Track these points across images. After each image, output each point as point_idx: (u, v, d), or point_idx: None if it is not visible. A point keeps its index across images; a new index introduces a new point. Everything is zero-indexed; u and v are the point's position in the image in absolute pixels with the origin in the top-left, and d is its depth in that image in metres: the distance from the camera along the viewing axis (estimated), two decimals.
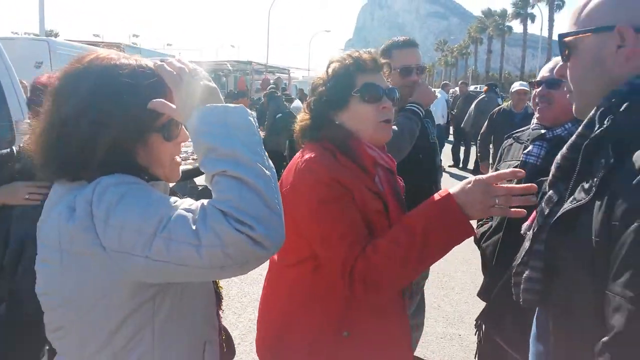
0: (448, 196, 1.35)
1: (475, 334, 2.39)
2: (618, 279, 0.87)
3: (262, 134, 10.56)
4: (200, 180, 8.17)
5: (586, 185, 0.99)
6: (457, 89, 14.03)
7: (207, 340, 1.24)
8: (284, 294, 1.61)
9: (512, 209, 1.32)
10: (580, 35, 1.07)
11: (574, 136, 1.07)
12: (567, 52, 1.12)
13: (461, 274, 5.16)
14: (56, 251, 1.02)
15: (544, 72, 2.20)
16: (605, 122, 0.97)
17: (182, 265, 0.95)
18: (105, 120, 1.04)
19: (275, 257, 1.63)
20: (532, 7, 72.97)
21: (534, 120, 2.29)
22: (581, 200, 0.98)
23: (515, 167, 2.22)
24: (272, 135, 8.56)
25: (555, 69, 2.12)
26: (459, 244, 1.37)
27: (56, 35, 51.03)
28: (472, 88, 18.64)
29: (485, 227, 2.39)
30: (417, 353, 3.10)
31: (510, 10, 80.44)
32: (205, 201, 0.97)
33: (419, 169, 2.52)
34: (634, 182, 0.86)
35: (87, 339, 1.07)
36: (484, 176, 1.34)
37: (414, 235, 1.33)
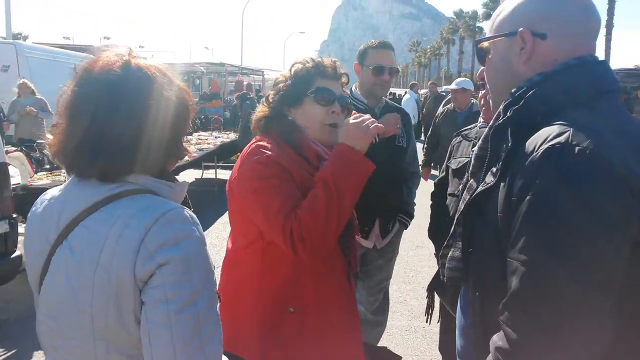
0: (340, 144, 1.58)
1: (426, 297, 2.53)
2: (515, 246, 0.99)
3: (235, 135, 10.62)
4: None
5: (494, 170, 1.12)
6: (427, 89, 14.26)
7: None
8: (235, 277, 1.74)
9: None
10: (492, 40, 1.23)
11: (486, 129, 1.20)
12: (483, 55, 1.27)
13: (427, 269, 5.31)
14: (89, 270, 1.00)
15: None
16: (508, 113, 1.12)
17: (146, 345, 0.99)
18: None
19: (229, 243, 1.78)
20: None
21: (481, 119, 2.42)
22: (490, 183, 1.11)
23: (465, 163, 2.35)
24: (246, 136, 8.62)
25: (478, 74, 2.27)
26: (366, 176, 1.58)
27: (25, 38, 49.82)
28: (444, 88, 18.95)
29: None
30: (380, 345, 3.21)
31: (480, 11, 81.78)
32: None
33: (384, 173, 2.39)
34: (526, 162, 1.00)
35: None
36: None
37: (327, 184, 1.51)
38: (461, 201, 1.29)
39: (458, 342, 1.71)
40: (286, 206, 1.54)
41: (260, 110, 1.81)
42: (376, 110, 2.89)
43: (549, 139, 0.99)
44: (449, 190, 2.48)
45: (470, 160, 2.23)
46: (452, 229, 1.32)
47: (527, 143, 1.03)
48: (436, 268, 2.65)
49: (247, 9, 38.42)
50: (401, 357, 2.10)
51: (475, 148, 1.25)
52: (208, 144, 8.94)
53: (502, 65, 1.21)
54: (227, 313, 1.65)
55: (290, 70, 1.78)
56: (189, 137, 9.66)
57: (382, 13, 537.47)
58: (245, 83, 18.07)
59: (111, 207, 1.03)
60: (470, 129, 2.55)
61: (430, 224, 2.63)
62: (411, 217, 3.08)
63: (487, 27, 1.28)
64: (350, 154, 1.55)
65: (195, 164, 8.46)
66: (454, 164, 2.48)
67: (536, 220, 0.97)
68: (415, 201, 3.14)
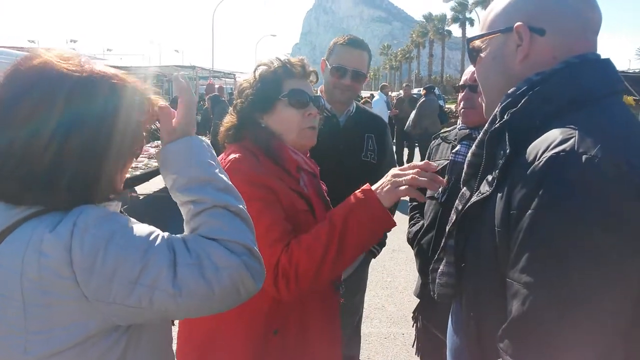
0: (367, 189, 1.43)
1: (412, 326, 2.44)
2: (515, 266, 0.89)
3: (207, 138, 10.40)
4: (140, 190, 7.94)
5: (489, 178, 1.03)
6: (401, 91, 14.30)
7: None
8: None
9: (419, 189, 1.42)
10: (485, 38, 1.13)
11: (481, 134, 1.11)
12: (475, 55, 1.17)
13: (405, 273, 5.25)
14: (15, 301, 0.89)
15: (466, 76, 2.25)
16: (505, 116, 1.02)
17: (187, 314, 0.97)
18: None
19: None
20: (470, 12, 75.69)
21: (459, 121, 2.36)
22: (485, 193, 1.02)
23: (445, 165, 2.28)
24: (217, 139, 8.46)
25: (469, 76, 2.20)
26: (380, 234, 1.43)
27: None
28: (415, 91, 19.09)
29: (417, 226, 2.43)
30: (361, 355, 3.11)
31: (449, 14, 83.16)
32: (206, 243, 0.97)
33: (347, 193, 2.31)
34: (527, 172, 0.90)
35: None
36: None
37: (334, 225, 1.38)
38: (453, 211, 1.19)
39: None
40: (271, 234, 1.41)
41: (228, 120, 1.66)
42: (341, 119, 2.47)
43: (552, 145, 0.89)
44: (428, 193, 2.41)
45: (455, 167, 2.20)
46: (443, 241, 1.21)
47: (527, 149, 0.93)
48: (413, 272, 2.60)
49: (217, 11, 38.12)
50: None
51: (469, 154, 1.15)
52: None
53: (496, 65, 1.12)
54: (208, 339, 1.56)
55: (255, 74, 1.63)
56: (159, 141, 9.42)
57: (353, 17, 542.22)
58: (216, 86, 17.82)
59: (18, 232, 0.91)
60: (449, 131, 2.48)
61: (408, 229, 2.54)
62: (381, 244, 2.61)
63: (480, 24, 1.19)
64: (373, 201, 1.39)
65: None
66: None
67: (539, 238, 0.86)
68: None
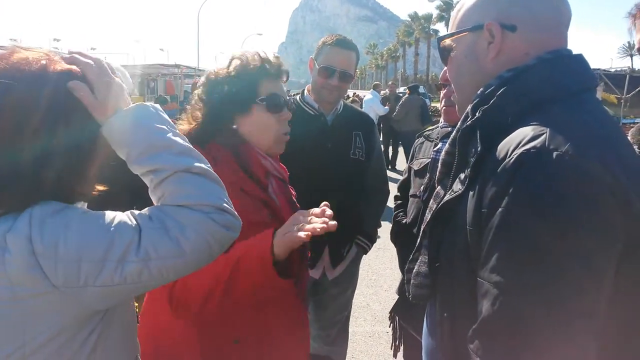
0: (269, 231, 1.34)
1: (389, 326, 2.44)
2: (485, 265, 0.88)
3: None
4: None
5: (462, 176, 1.02)
6: (387, 90, 14.33)
7: (137, 355, 1.19)
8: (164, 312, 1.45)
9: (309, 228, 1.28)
10: (456, 36, 1.12)
11: (454, 132, 1.10)
12: (446, 54, 1.16)
13: (390, 272, 5.26)
14: None
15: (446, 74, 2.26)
16: (477, 113, 1.01)
17: (163, 280, 0.95)
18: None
19: None
20: None
21: (442, 120, 2.36)
22: (457, 192, 1.01)
23: (427, 164, 2.28)
24: None
25: (441, 75, 2.21)
26: (266, 280, 1.33)
27: None
28: (400, 90, 19.15)
29: (400, 224, 2.44)
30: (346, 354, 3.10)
31: (435, 14, 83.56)
32: (166, 209, 0.96)
33: (335, 191, 2.14)
34: (498, 170, 0.89)
35: None
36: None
37: (230, 259, 1.29)
38: (427, 210, 1.17)
39: None
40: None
41: (193, 116, 1.52)
42: (328, 117, 2.47)
43: (522, 142, 0.88)
44: (411, 192, 2.42)
45: (436, 165, 2.20)
46: (418, 241, 1.20)
47: (498, 147, 0.92)
48: (398, 270, 2.60)
49: (203, 9, 37.91)
50: None
51: (442, 152, 1.14)
52: None
53: (468, 63, 1.10)
54: (165, 346, 1.48)
55: (229, 67, 1.51)
56: None
57: (339, 16, 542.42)
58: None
59: None
60: (432, 129, 2.48)
61: (392, 227, 2.55)
62: (371, 239, 2.65)
63: (450, 23, 1.18)
64: (264, 249, 1.31)
65: None
66: (415, 165, 2.42)
67: (509, 238, 0.85)
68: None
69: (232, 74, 1.50)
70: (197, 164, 1.00)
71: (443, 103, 2.25)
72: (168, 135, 1.01)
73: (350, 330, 3.15)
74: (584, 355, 0.82)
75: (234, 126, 1.51)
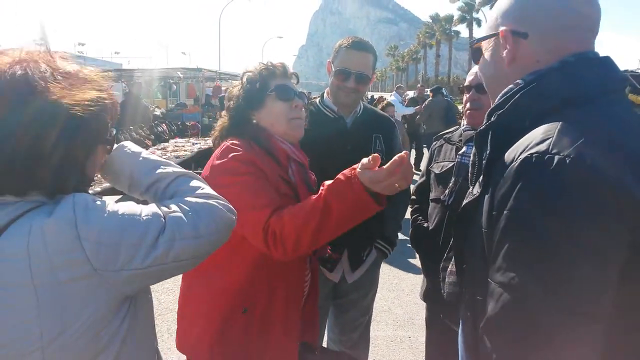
0: (352, 174, 1.52)
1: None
2: (492, 265, 0.91)
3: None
4: None
5: (480, 180, 1.05)
6: (415, 92, 14.31)
7: (156, 348, 1.25)
8: (190, 279, 1.77)
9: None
10: (482, 42, 1.17)
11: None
12: (477, 56, 1.21)
13: (412, 276, 5.22)
14: (26, 289, 0.91)
15: (471, 77, 2.23)
16: (492, 117, 1.03)
17: (185, 261, 1.05)
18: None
19: None
20: (477, 12, 75.43)
21: (464, 122, 2.33)
22: (476, 194, 1.04)
23: (449, 168, 2.25)
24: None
25: (475, 77, 2.18)
26: (364, 216, 1.54)
27: None
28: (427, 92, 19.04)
29: (422, 229, 2.41)
30: (367, 358, 3.08)
31: (456, 15, 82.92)
32: (182, 198, 1.11)
33: None
34: (505, 173, 0.92)
35: None
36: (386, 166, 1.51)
37: (318, 200, 1.53)
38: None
39: None
40: (261, 200, 1.56)
41: (221, 121, 1.85)
42: (348, 120, 2.46)
43: (529, 146, 0.90)
44: (432, 196, 2.38)
45: (462, 168, 2.17)
46: (452, 241, 1.24)
47: (508, 151, 0.94)
48: (420, 275, 2.57)
49: (224, 14, 38.31)
50: None
51: (472, 154, 1.16)
52: (185, 150, 8.76)
53: (492, 67, 1.15)
54: (180, 315, 1.80)
55: (242, 80, 1.82)
56: (166, 144, 9.51)
57: (359, 18, 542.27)
58: (223, 88, 17.87)
59: (13, 228, 0.94)
60: (452, 131, 2.44)
61: (412, 232, 2.51)
62: (392, 243, 2.61)
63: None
64: (356, 187, 1.49)
65: None
66: (436, 169, 2.37)
67: (513, 240, 0.88)
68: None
69: (245, 82, 1.81)
70: (192, 171, 1.21)
71: (468, 106, 2.22)
72: (161, 158, 1.23)
73: (372, 334, 3.13)
74: (588, 351, 0.83)
75: (254, 121, 1.78)
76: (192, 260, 1.08)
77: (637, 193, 0.83)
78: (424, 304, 2.49)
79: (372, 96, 19.38)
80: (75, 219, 0.94)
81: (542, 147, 0.87)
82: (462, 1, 76.75)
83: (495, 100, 1.07)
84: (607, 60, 1.03)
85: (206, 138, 11.13)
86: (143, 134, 10.96)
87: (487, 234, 0.96)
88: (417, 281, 5.08)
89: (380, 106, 8.59)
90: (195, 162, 9.05)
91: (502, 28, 1.07)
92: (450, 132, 2.45)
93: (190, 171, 1.22)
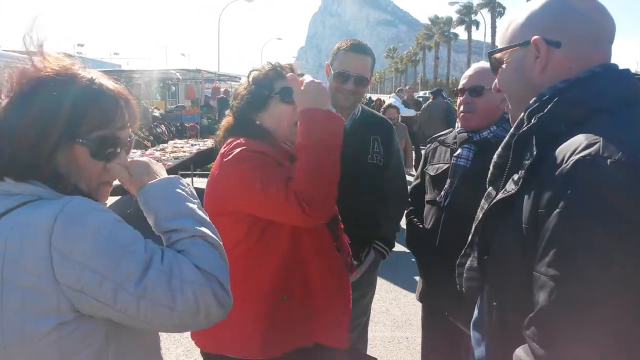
0: (303, 111, 1.64)
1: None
2: (542, 260, 0.96)
3: (212, 142, 10.43)
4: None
5: (515, 178, 1.10)
6: (404, 94, 14.32)
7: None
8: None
9: None
10: (505, 51, 1.21)
11: (507, 136, 1.19)
12: (496, 66, 1.25)
13: (409, 277, 5.22)
14: None
15: (465, 80, 2.24)
16: (533, 120, 1.09)
17: (146, 323, 0.97)
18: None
19: None
20: (476, 14, 75.54)
21: (458, 125, 2.35)
22: (511, 191, 1.09)
23: (445, 169, 2.28)
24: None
25: (468, 80, 2.21)
26: (339, 131, 1.68)
27: None
28: (420, 94, 19.11)
29: (418, 230, 2.43)
30: None
31: (455, 17, 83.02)
32: (180, 258, 1.02)
33: (354, 196, 2.15)
34: (556, 173, 0.96)
35: None
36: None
37: (302, 147, 1.62)
38: (479, 210, 1.26)
39: (476, 353, 1.64)
40: (283, 180, 1.60)
41: (226, 121, 1.85)
42: (346, 122, 2.27)
43: (578, 149, 0.96)
44: (428, 198, 2.39)
45: (457, 170, 2.20)
46: (470, 237, 1.30)
47: (555, 152, 1.00)
48: (418, 277, 2.59)
49: (223, 15, 38.28)
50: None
51: (495, 155, 1.23)
52: (184, 151, 8.76)
53: (518, 75, 1.19)
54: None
55: (249, 79, 1.81)
56: (165, 145, 9.52)
57: (359, 19, 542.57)
58: (222, 90, 17.88)
59: (5, 219, 0.97)
60: (447, 134, 2.46)
61: (408, 233, 2.53)
62: (390, 244, 2.62)
63: (499, 37, 1.27)
64: (315, 114, 1.62)
65: (171, 172, 8.23)
66: (431, 171, 2.38)
67: (566, 236, 0.93)
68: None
69: (251, 81, 1.81)
70: (212, 235, 1.10)
71: (461, 109, 2.24)
72: (192, 205, 1.13)
73: (369, 335, 3.15)
74: (631, 342, 0.88)
75: (257, 122, 1.79)
76: (155, 327, 1.03)
77: None
78: (421, 305, 2.51)
79: (370, 97, 19.43)
80: (53, 227, 0.92)
81: (592, 150, 0.94)
82: (460, 4, 76.83)
83: (529, 104, 1.13)
84: (629, 72, 1.13)
85: (205, 139, 11.14)
86: (142, 135, 10.96)
87: (529, 229, 1.01)
88: (415, 282, 5.09)
89: (382, 109, 8.58)
90: (194, 163, 9.07)
91: (534, 37, 1.12)
92: (444, 134, 2.46)
93: (212, 235, 1.11)
